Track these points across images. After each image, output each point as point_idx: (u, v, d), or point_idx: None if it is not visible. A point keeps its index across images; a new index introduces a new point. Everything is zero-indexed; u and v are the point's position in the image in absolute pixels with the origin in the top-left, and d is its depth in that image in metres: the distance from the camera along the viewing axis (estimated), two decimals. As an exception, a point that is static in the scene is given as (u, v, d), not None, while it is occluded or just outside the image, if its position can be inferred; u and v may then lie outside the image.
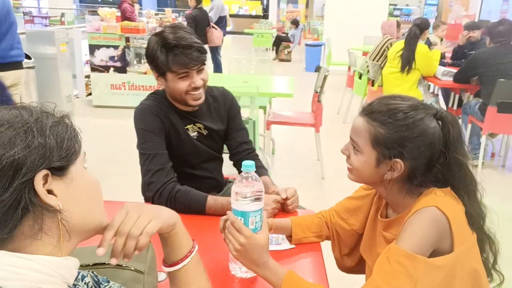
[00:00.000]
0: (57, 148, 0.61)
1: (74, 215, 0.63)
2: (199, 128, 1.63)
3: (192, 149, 1.62)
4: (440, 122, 0.98)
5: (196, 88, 1.49)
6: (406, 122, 0.97)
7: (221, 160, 1.78)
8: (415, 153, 0.97)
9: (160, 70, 1.49)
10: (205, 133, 1.64)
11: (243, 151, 1.69)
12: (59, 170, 0.61)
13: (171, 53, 1.43)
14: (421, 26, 4.38)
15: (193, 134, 1.62)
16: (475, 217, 0.99)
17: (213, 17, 6.49)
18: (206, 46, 4.70)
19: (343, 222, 1.25)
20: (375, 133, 0.99)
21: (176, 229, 0.81)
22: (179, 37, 1.44)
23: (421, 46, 4.31)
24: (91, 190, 0.68)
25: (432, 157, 0.98)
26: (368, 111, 1.02)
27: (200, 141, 1.63)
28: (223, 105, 1.69)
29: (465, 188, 0.99)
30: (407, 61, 4.30)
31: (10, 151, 0.56)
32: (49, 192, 0.60)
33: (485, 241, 1.02)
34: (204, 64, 1.50)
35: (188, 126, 1.61)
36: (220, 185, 1.77)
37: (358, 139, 1.03)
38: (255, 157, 1.68)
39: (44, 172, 0.59)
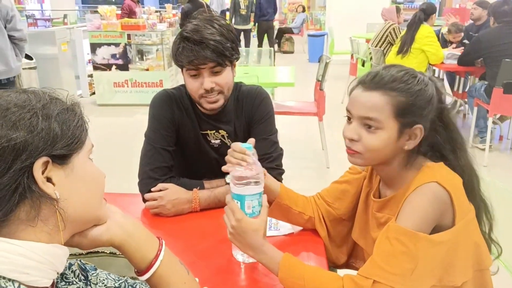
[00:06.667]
0: (61, 136, 0.60)
1: (71, 205, 0.62)
2: (223, 136, 1.45)
3: (206, 157, 1.45)
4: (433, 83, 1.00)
5: (207, 91, 1.32)
6: (421, 86, 0.95)
7: None
8: (429, 115, 0.96)
9: (175, 62, 1.35)
10: (229, 143, 1.43)
11: None
12: (60, 158, 0.60)
13: (181, 45, 1.29)
14: (426, 11, 4.33)
15: (215, 141, 1.45)
16: (470, 181, 0.98)
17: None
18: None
19: (327, 206, 1.21)
20: (397, 103, 0.94)
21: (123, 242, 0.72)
22: (195, 29, 1.27)
23: (424, 27, 4.25)
24: (92, 182, 0.67)
25: (433, 118, 0.98)
26: (379, 83, 0.96)
27: (222, 152, 1.39)
28: (248, 105, 1.46)
29: (458, 149, 0.99)
30: (404, 43, 4.28)
31: (12, 135, 0.56)
32: (48, 179, 0.59)
33: (481, 208, 1.00)
34: (219, 65, 1.30)
35: (209, 132, 1.44)
36: None
37: (378, 115, 0.94)
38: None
39: (44, 159, 0.58)
